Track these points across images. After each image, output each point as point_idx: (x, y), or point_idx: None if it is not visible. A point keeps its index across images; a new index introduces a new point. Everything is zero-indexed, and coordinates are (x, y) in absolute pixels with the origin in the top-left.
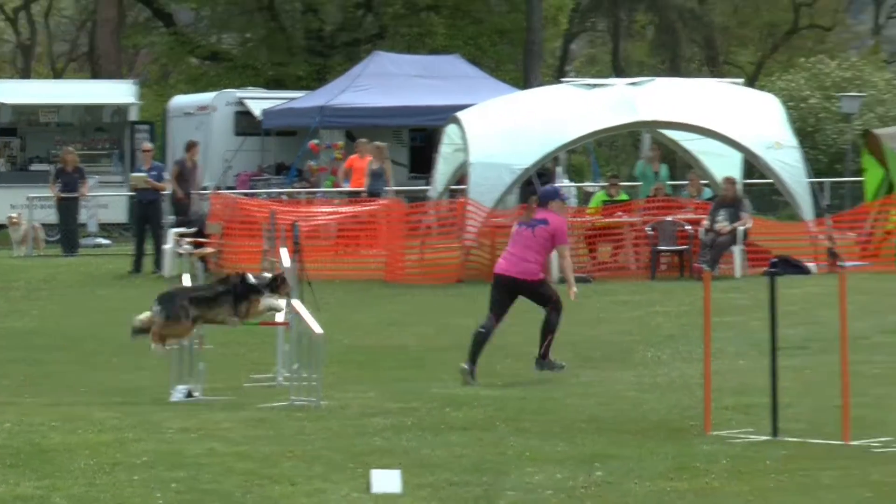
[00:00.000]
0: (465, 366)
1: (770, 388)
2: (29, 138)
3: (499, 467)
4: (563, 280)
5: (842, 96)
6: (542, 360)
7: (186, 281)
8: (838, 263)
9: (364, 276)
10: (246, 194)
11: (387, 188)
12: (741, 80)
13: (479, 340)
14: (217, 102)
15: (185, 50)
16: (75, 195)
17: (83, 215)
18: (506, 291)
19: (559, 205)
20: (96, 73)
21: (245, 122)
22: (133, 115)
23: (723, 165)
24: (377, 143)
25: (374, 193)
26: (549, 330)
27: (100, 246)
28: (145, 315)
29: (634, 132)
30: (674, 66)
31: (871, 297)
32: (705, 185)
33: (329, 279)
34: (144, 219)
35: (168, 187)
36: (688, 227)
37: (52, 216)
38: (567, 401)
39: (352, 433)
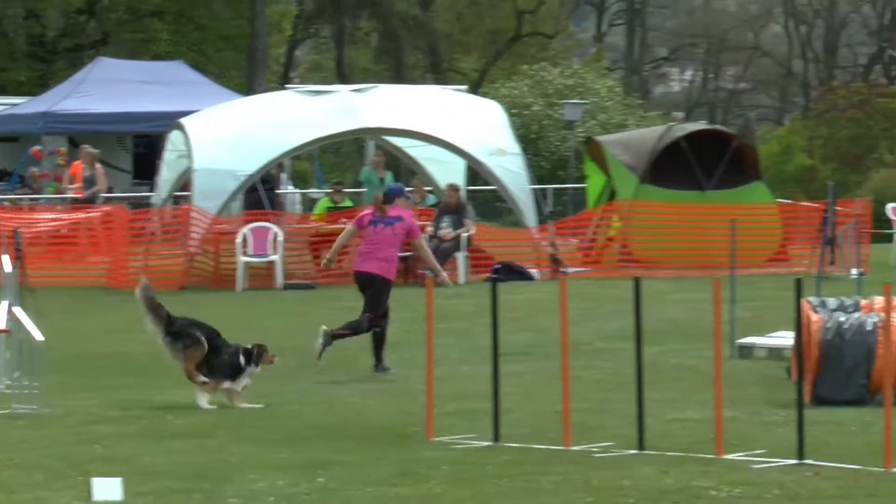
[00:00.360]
0: (377, 370)
1: (492, 394)
2: None
3: (221, 474)
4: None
5: (564, 103)
6: (332, 338)
7: None
8: (561, 269)
9: (87, 283)
10: None
11: (99, 194)
12: (465, 87)
13: (379, 339)
14: None
15: None
16: None
17: None
18: (367, 286)
19: (405, 202)
20: None
21: None
22: None
23: (447, 172)
24: (88, 148)
25: (89, 200)
26: (353, 328)
27: None
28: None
29: (359, 139)
30: (398, 73)
31: (593, 302)
32: (429, 191)
33: (52, 286)
34: None
35: None
36: None
37: None
38: (289, 408)
39: (73, 441)
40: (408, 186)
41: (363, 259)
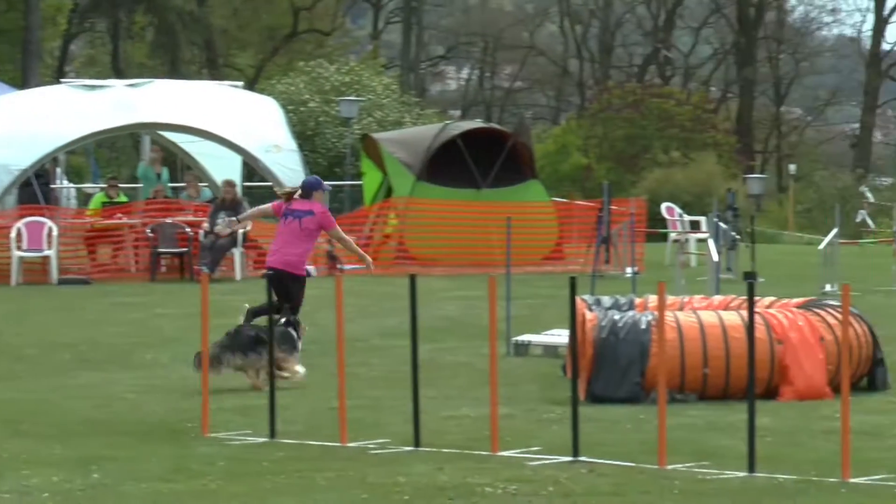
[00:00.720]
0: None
1: (268, 390)
2: None
3: None
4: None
5: (341, 100)
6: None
7: None
8: (337, 266)
9: None
10: None
11: None
12: (241, 84)
13: (255, 311)
14: None
15: None
16: None
17: None
18: (277, 283)
19: (321, 195)
20: None
21: None
22: None
23: (223, 168)
24: None
25: None
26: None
27: None
28: None
29: (135, 134)
30: (174, 69)
31: (369, 300)
32: (205, 187)
33: None
34: None
35: None
36: (188, 230)
37: None
38: (64, 403)
39: None
40: (182, 182)
41: (271, 253)
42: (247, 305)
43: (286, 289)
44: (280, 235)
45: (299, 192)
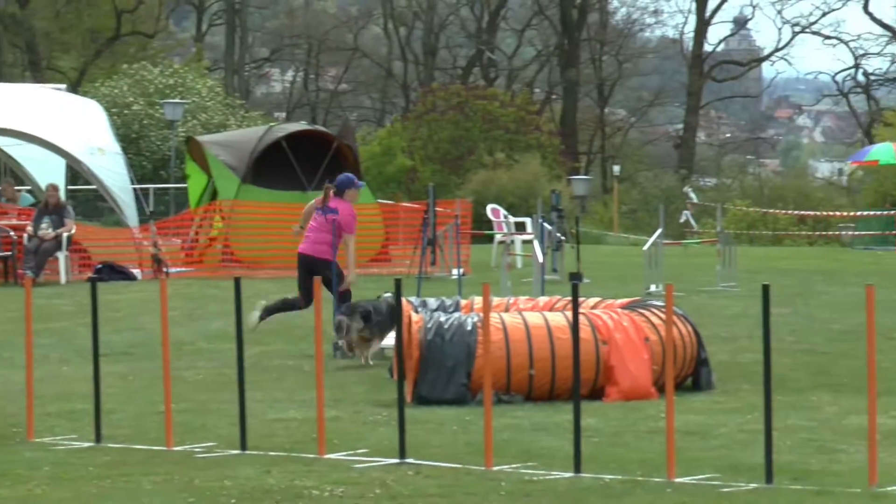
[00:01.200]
0: (257, 311)
1: (93, 394)
2: None
3: None
4: None
5: (165, 103)
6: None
7: None
8: (163, 269)
9: None
10: None
11: None
12: (64, 86)
13: (286, 305)
14: None
15: None
16: None
17: None
18: (305, 269)
19: (354, 193)
20: None
21: None
22: None
23: (46, 171)
24: None
25: None
26: (288, 305)
27: None
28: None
29: None
30: None
31: (195, 303)
32: (28, 191)
33: None
34: None
35: None
36: (12, 234)
37: None
38: None
39: None
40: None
41: (303, 242)
42: (263, 302)
43: (316, 272)
44: (311, 228)
45: (333, 190)
